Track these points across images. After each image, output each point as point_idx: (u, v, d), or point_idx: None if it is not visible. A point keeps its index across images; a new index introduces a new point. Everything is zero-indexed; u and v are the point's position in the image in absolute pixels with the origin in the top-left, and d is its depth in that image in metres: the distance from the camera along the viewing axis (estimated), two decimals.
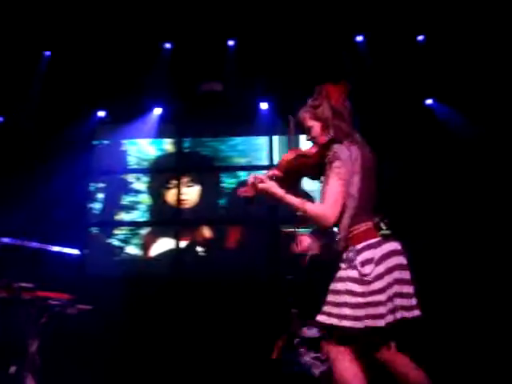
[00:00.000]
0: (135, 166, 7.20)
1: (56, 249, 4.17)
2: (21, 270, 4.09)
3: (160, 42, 6.74)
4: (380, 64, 6.44)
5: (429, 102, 6.74)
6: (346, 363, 2.58)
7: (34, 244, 4.07)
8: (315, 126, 2.81)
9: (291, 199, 2.70)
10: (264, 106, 6.98)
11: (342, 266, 2.63)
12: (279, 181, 2.77)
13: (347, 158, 2.63)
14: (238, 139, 7.21)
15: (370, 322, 2.50)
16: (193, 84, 6.93)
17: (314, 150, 2.78)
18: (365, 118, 6.59)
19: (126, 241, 6.99)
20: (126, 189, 7.14)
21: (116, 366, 5.72)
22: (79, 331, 5.25)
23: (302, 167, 2.80)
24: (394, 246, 2.63)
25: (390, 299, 2.53)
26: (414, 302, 2.60)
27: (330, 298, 2.61)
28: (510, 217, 5.90)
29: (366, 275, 2.54)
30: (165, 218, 7.06)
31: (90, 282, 5.65)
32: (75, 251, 4.31)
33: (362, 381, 2.56)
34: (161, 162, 7.24)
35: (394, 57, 6.44)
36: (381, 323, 2.50)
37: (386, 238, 2.62)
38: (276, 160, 7.05)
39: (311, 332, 4.36)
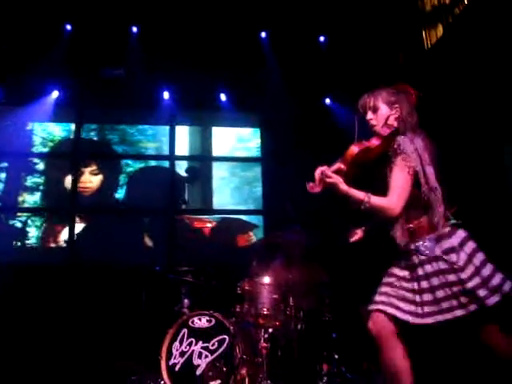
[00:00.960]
0: (40, 148, 6.93)
1: None
2: None
3: (61, 23, 6.48)
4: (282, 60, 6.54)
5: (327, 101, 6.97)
6: None
7: None
8: (384, 109, 2.85)
9: (356, 193, 2.70)
10: (166, 95, 6.90)
11: (417, 259, 2.72)
12: (348, 173, 2.75)
13: (413, 150, 2.68)
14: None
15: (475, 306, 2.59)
16: (95, 68, 6.73)
17: (377, 142, 2.78)
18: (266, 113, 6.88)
19: (24, 226, 6.72)
20: (30, 170, 6.87)
21: None
22: None
23: (365, 160, 2.77)
24: (464, 233, 2.73)
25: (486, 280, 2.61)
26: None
27: (431, 296, 2.66)
28: None
29: (456, 263, 2.62)
30: (62, 205, 6.84)
31: None
32: None
33: None
34: (65, 146, 7.01)
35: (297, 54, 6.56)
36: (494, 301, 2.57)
37: (457, 227, 2.73)
38: (178, 150, 7.05)
39: (201, 322, 4.40)
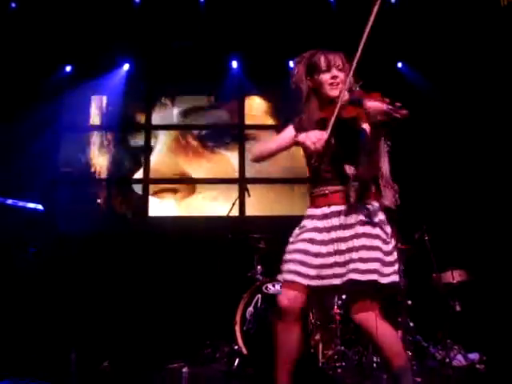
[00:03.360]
0: (99, 123, 7.12)
1: (18, 203, 4.10)
2: None
3: None
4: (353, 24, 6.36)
5: (399, 65, 6.78)
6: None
7: None
8: None
9: None
10: (235, 64, 6.90)
11: (363, 219, 2.64)
12: None
13: None
14: None
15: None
16: (164, 40, 6.80)
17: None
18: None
19: (95, 196, 6.92)
20: (90, 143, 7.06)
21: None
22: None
23: None
24: None
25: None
26: None
27: (364, 254, 2.59)
28: (480, 180, 5.99)
29: (387, 234, 2.66)
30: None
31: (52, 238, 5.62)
32: (38, 206, 4.25)
33: None
34: (131, 119, 7.15)
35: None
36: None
37: None
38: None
39: (275, 288, 4.43)
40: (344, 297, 4.30)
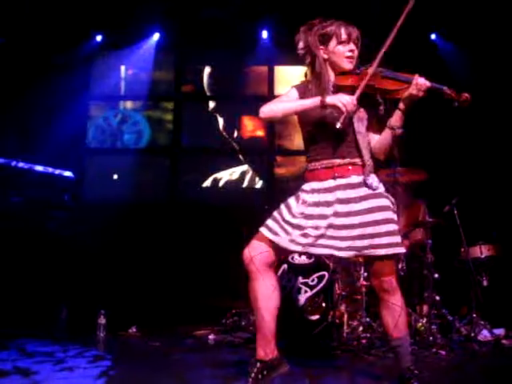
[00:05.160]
0: (141, 91, 7.13)
1: (47, 170, 4.18)
2: (12, 190, 4.14)
3: None
4: None
5: (433, 36, 6.63)
6: None
7: (26, 164, 4.08)
8: None
9: None
10: (265, 34, 6.83)
11: (372, 192, 2.65)
12: None
13: None
14: None
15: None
16: (194, 9, 6.75)
17: None
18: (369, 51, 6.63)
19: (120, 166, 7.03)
20: (123, 114, 7.12)
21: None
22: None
23: None
24: None
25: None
26: None
27: (384, 228, 2.60)
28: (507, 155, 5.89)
29: (394, 204, 2.67)
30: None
31: (84, 206, 5.71)
32: (68, 173, 4.32)
33: None
34: (160, 89, 7.16)
35: None
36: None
37: None
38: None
39: (301, 259, 4.45)
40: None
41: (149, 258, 6.14)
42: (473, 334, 4.27)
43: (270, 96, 7.01)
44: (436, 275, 4.42)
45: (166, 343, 4.28)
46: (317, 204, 2.67)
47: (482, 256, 4.77)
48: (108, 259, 5.95)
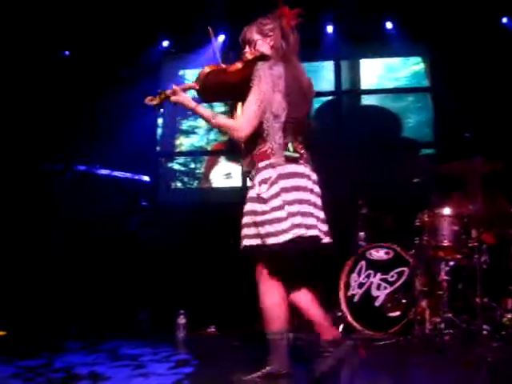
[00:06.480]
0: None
1: (126, 175, 4.30)
2: (94, 196, 4.29)
3: None
4: None
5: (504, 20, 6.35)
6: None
7: (106, 171, 4.21)
8: (260, 40, 2.83)
9: (202, 112, 2.78)
10: (330, 29, 6.76)
11: (249, 185, 2.74)
12: (203, 93, 2.84)
13: (268, 76, 2.63)
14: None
15: (273, 240, 2.57)
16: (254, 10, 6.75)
17: (238, 66, 2.79)
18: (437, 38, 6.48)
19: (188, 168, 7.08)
20: (184, 113, 7.15)
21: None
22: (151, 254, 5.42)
23: (226, 83, 2.80)
24: (297, 168, 2.67)
25: (290, 215, 2.57)
26: (323, 226, 2.71)
27: (244, 220, 2.69)
28: None
29: (260, 194, 2.61)
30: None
31: (159, 209, 5.81)
32: (146, 178, 4.43)
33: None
34: None
35: None
36: (285, 238, 2.55)
37: (290, 160, 2.66)
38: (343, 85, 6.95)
39: (379, 254, 4.39)
40: (451, 263, 4.18)
41: (224, 258, 6.18)
42: None
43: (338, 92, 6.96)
44: None
45: (246, 342, 4.28)
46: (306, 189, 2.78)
47: None
48: (185, 259, 6.02)
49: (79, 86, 6.41)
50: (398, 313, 4.20)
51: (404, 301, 4.20)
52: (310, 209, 2.64)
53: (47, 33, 6.11)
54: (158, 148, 7.07)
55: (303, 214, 2.60)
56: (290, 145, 2.68)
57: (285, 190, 2.60)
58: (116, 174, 4.25)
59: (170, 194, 6.85)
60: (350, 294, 4.44)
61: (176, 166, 7.12)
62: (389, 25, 6.56)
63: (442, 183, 4.60)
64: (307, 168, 2.73)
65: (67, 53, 6.66)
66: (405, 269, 4.27)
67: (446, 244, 4.11)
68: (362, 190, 5.18)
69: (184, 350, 4.07)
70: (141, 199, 4.41)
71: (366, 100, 6.97)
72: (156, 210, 5.70)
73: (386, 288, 4.31)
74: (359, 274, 4.44)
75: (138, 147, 6.38)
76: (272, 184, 2.60)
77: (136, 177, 4.31)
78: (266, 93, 2.62)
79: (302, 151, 2.74)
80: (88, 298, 4.60)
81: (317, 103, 6.79)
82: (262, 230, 2.58)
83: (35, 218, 5.04)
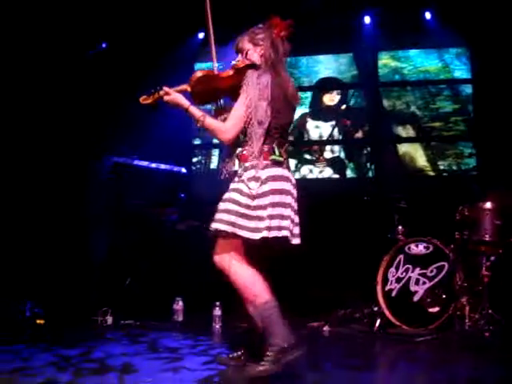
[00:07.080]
0: None
1: (164, 167, 4.32)
2: (131, 188, 4.33)
3: None
4: None
5: None
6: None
7: (144, 162, 4.25)
8: (251, 50, 2.93)
9: (193, 112, 2.85)
10: (367, 19, 6.68)
11: (235, 179, 2.83)
12: (194, 96, 2.92)
13: (255, 84, 2.76)
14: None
15: (247, 234, 2.71)
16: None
17: (229, 73, 2.90)
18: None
19: None
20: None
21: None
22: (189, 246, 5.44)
23: (216, 88, 2.93)
24: (282, 171, 2.82)
25: (270, 217, 2.71)
26: (296, 229, 2.86)
27: (222, 205, 2.78)
28: None
29: (251, 189, 2.73)
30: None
31: (197, 200, 5.81)
32: (183, 170, 4.45)
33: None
34: None
35: None
36: (257, 236, 2.71)
37: (276, 163, 2.80)
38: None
39: (418, 249, 4.33)
40: (492, 258, 4.11)
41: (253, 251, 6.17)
42: None
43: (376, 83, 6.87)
44: None
45: None
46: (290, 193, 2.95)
47: None
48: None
49: (117, 78, 6.47)
50: (437, 308, 4.14)
51: (444, 296, 4.14)
52: (290, 212, 2.79)
53: (86, 26, 6.17)
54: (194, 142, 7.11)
55: (283, 217, 2.75)
56: (276, 149, 2.82)
57: (273, 191, 2.75)
58: (154, 165, 4.27)
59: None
60: (387, 288, 4.39)
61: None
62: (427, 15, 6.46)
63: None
64: (290, 172, 2.89)
65: (104, 45, 6.71)
66: (444, 263, 4.20)
67: (487, 239, 4.03)
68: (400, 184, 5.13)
69: (221, 344, 4.01)
70: (179, 191, 4.43)
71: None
72: (191, 202, 5.72)
73: (424, 283, 4.24)
74: (397, 269, 4.39)
75: (175, 139, 6.42)
76: (262, 183, 2.75)
77: (175, 168, 4.32)
78: (253, 100, 2.76)
79: (285, 156, 2.87)
80: (126, 289, 4.64)
81: None
82: (240, 221, 2.72)
83: (75, 209, 5.12)
